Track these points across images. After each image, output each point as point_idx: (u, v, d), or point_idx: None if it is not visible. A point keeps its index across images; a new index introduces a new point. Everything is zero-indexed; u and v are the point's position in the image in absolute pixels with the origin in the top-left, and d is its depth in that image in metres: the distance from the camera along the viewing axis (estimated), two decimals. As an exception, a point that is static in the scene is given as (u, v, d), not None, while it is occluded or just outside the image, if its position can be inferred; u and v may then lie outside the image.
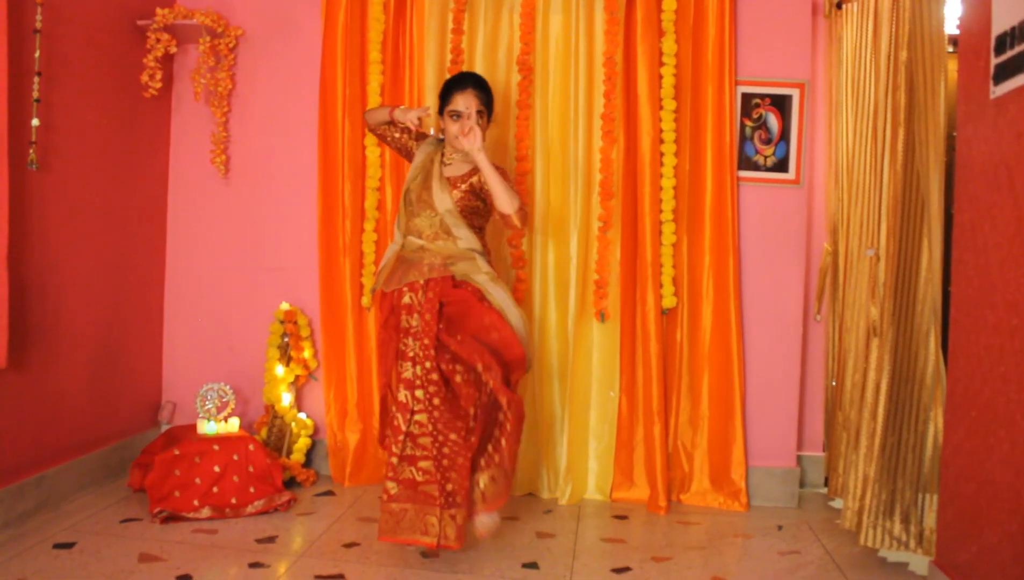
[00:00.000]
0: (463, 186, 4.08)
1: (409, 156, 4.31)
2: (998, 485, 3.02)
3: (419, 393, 3.90)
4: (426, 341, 3.91)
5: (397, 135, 4.28)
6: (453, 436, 3.83)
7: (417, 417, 3.88)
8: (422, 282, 4.00)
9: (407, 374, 3.93)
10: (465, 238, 4.07)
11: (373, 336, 5.08)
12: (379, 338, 4.60)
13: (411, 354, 3.94)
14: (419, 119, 4.07)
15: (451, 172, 4.14)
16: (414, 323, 3.98)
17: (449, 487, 3.79)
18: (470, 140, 3.94)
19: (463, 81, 4.16)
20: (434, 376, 3.88)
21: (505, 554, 4.04)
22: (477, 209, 4.13)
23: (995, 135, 3.09)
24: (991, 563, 3.05)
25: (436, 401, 3.87)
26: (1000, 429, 3.01)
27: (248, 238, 5.29)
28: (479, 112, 4.10)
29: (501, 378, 3.84)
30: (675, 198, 4.89)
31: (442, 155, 4.20)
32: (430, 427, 3.86)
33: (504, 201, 3.93)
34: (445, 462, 3.82)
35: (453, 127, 4.07)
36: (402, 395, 3.91)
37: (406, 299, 4.02)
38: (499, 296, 4.02)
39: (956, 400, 3.36)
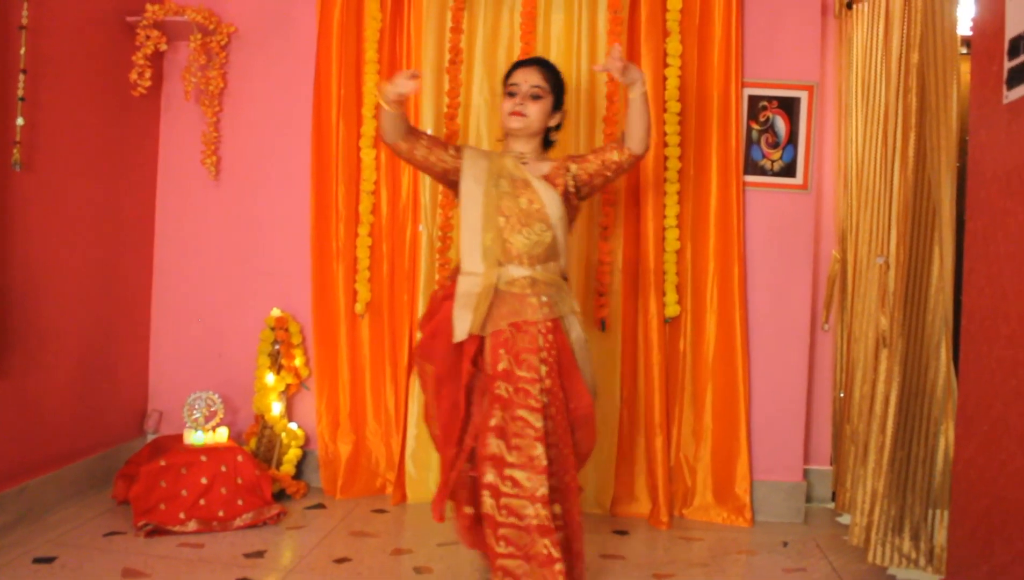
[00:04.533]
0: (560, 188, 3.57)
1: (447, 174, 3.64)
2: (1011, 501, 2.98)
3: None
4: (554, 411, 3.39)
5: (424, 152, 3.60)
6: None
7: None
8: (539, 323, 3.43)
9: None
10: (563, 258, 3.62)
11: (367, 344, 5.06)
12: (435, 389, 3.60)
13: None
14: (413, 78, 3.39)
15: (537, 173, 3.62)
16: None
17: None
18: (613, 62, 3.40)
19: (529, 61, 3.78)
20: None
21: (500, 571, 3.97)
22: (571, 219, 3.68)
23: (1008, 140, 3.06)
24: (1004, 584, 3.01)
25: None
26: (1012, 444, 2.97)
27: (239, 242, 5.25)
28: (538, 90, 3.60)
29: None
30: (679, 203, 4.84)
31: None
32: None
33: (642, 133, 3.49)
34: None
35: (507, 104, 3.60)
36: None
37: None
38: (584, 346, 3.58)
39: (967, 413, 3.33)
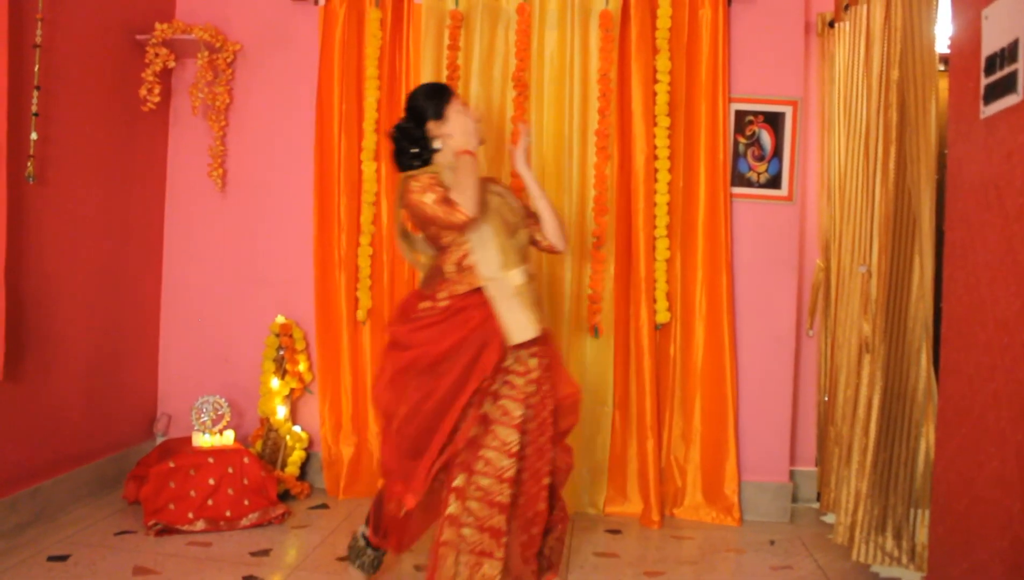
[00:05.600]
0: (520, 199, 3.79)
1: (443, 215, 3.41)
2: (988, 502, 3.02)
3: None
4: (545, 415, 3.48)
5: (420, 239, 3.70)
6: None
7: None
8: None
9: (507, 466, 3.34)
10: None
11: (368, 350, 5.10)
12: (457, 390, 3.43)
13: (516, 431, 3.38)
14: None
15: (495, 181, 3.79)
16: (528, 389, 3.44)
17: None
18: (518, 157, 3.64)
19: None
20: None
21: (499, 568, 4.04)
22: None
23: (985, 154, 3.10)
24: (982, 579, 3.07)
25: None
26: (990, 446, 3.01)
27: (244, 251, 5.31)
28: None
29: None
30: (669, 214, 4.90)
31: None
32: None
33: (558, 230, 3.67)
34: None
35: (469, 119, 3.57)
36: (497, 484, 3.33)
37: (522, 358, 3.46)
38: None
39: (947, 416, 3.36)
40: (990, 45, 3.03)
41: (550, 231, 3.68)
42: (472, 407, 3.37)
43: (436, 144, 3.60)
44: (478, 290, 3.40)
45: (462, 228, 3.40)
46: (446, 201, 3.35)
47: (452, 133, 3.57)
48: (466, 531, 3.25)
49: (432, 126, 3.59)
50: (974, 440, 3.14)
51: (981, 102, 3.11)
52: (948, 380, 3.38)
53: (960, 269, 3.29)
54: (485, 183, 3.60)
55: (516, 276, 3.43)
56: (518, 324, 3.37)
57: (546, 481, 3.42)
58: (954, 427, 3.30)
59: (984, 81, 3.08)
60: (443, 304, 3.47)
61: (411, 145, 3.61)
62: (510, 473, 3.30)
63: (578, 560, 4.19)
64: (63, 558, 3.88)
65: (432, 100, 3.63)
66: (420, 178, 3.46)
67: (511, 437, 3.33)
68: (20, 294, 4.12)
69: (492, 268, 3.43)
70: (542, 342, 3.48)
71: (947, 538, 3.35)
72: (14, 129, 3.98)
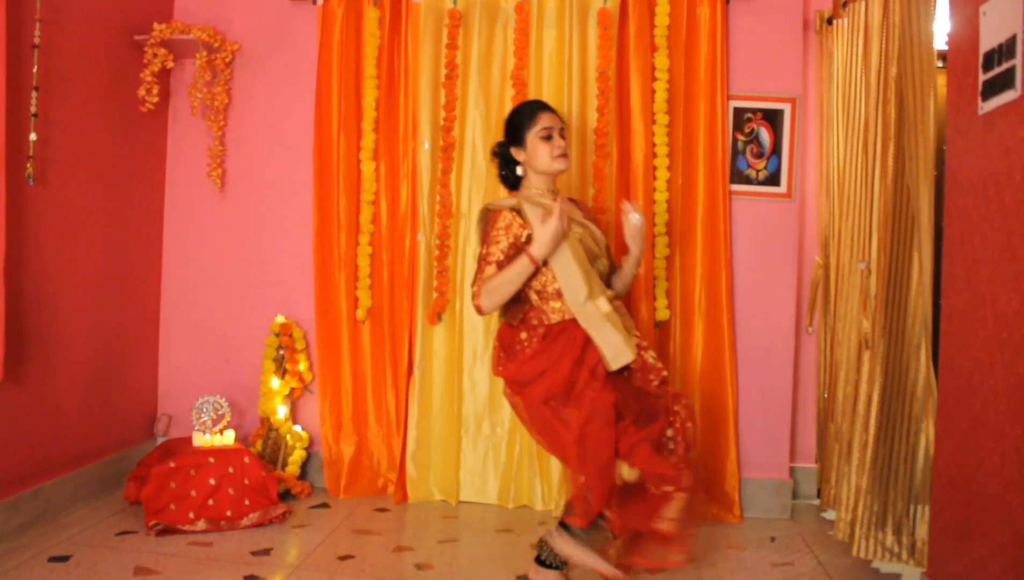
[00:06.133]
0: (600, 225, 3.89)
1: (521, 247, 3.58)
2: (988, 497, 3.03)
3: None
4: None
5: (506, 254, 3.58)
6: None
7: None
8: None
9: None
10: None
11: (368, 349, 5.11)
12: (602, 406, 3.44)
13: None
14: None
15: (576, 215, 3.78)
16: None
17: None
18: (632, 233, 3.69)
19: (543, 103, 3.82)
20: None
21: (499, 566, 4.05)
22: None
23: (984, 150, 3.11)
24: (982, 575, 3.06)
25: None
26: (990, 441, 3.02)
27: (244, 251, 5.31)
28: (564, 129, 3.78)
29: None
30: (668, 212, 4.91)
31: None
32: None
33: (626, 287, 3.95)
34: None
35: (548, 147, 3.68)
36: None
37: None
38: None
39: (947, 412, 3.37)
40: (988, 41, 3.04)
41: (620, 285, 3.86)
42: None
43: (519, 170, 3.76)
44: (572, 319, 3.49)
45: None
46: (484, 272, 3.53)
47: (530, 161, 3.72)
48: None
49: (515, 151, 3.74)
50: (974, 436, 3.15)
51: (979, 98, 3.12)
52: (947, 376, 3.39)
53: (959, 265, 3.30)
54: (569, 209, 3.64)
55: (603, 304, 3.50)
56: (613, 348, 3.42)
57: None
58: (954, 423, 3.31)
59: (982, 77, 3.09)
60: (541, 331, 3.55)
61: (503, 166, 3.85)
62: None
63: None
64: (64, 559, 3.88)
65: (512, 125, 3.78)
66: (503, 216, 3.59)
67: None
68: (20, 295, 4.12)
69: (579, 298, 3.50)
70: None
71: (947, 533, 3.36)
72: (13, 130, 3.98)
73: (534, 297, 3.59)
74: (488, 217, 3.65)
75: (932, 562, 3.49)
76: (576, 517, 3.50)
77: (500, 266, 3.52)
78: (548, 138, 3.68)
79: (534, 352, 3.52)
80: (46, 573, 3.71)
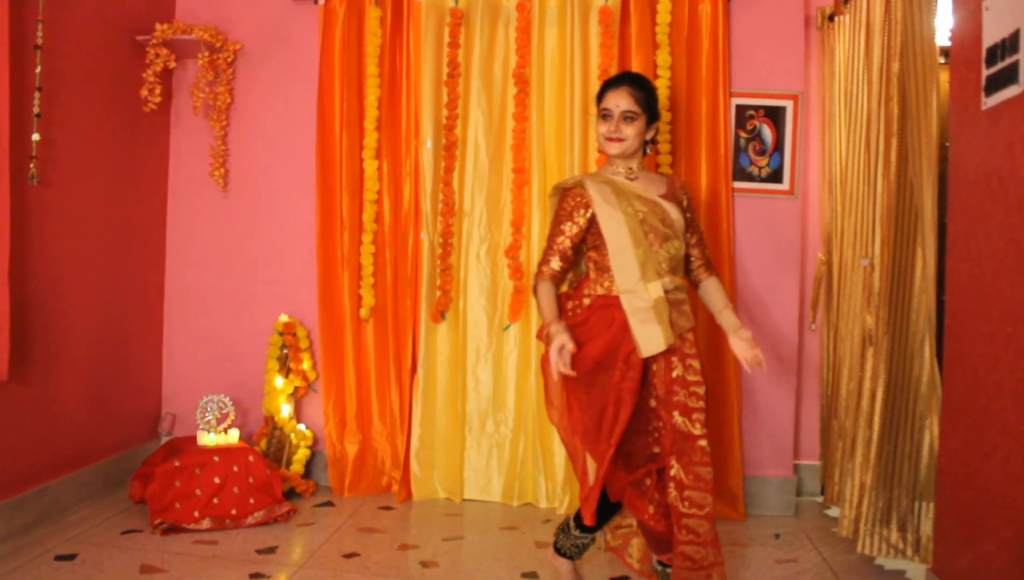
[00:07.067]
0: (681, 204, 3.61)
1: (591, 224, 3.53)
2: (993, 493, 3.04)
3: None
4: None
5: (571, 238, 3.53)
6: None
7: None
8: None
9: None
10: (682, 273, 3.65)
11: (371, 347, 5.12)
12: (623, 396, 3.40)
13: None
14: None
15: (656, 191, 3.59)
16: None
17: None
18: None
19: (619, 79, 3.61)
20: None
21: (504, 564, 4.06)
22: None
23: (987, 145, 3.12)
24: (987, 571, 3.07)
25: None
26: (995, 437, 3.03)
27: (247, 250, 5.32)
28: (631, 113, 3.51)
29: None
30: (670, 209, 4.87)
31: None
32: None
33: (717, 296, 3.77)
34: None
35: (602, 127, 3.55)
36: None
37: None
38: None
39: (951, 408, 3.38)
40: (991, 36, 3.05)
41: (706, 299, 3.78)
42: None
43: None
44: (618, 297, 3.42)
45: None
46: (549, 262, 3.52)
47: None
48: None
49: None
50: (979, 431, 3.16)
51: (982, 93, 3.13)
52: (952, 371, 3.40)
53: (963, 260, 3.31)
54: (635, 187, 3.54)
55: (655, 289, 3.38)
56: (646, 336, 3.34)
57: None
58: (958, 418, 3.32)
59: (985, 72, 3.11)
60: (587, 301, 3.50)
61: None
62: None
63: (584, 555, 4.18)
64: (70, 557, 3.89)
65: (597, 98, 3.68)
66: (570, 195, 3.55)
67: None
68: (24, 295, 4.13)
69: (630, 280, 3.41)
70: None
71: (952, 530, 3.37)
72: (16, 131, 3.99)
73: (591, 267, 3.55)
74: (560, 195, 3.61)
75: (937, 558, 3.51)
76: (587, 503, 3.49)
77: (564, 257, 3.50)
78: (606, 117, 3.55)
79: (578, 322, 3.45)
80: (52, 571, 3.72)
